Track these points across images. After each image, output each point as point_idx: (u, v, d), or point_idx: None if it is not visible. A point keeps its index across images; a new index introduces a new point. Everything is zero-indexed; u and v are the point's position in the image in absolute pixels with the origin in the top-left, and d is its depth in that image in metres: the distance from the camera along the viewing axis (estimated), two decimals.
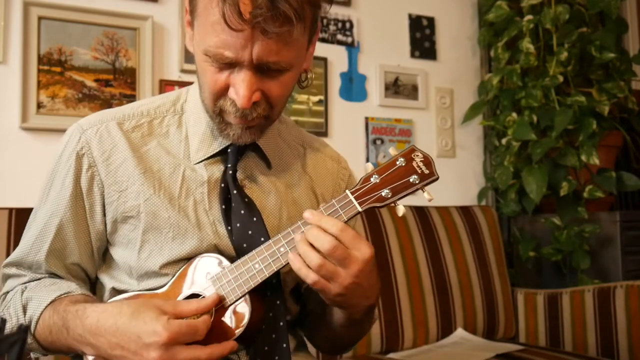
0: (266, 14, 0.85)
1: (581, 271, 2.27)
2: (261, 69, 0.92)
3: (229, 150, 1.04)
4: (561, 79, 2.34)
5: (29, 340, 0.99)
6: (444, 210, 2.33)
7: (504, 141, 2.49)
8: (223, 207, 1.02)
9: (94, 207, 1.03)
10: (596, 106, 2.36)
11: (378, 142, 2.46)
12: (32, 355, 1.05)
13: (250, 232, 1.00)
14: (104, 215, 1.03)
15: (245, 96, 0.92)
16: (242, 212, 1.01)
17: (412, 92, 2.56)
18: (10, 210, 1.62)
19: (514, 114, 2.47)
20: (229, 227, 1.01)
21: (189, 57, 2.11)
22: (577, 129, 2.32)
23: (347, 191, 0.96)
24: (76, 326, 0.93)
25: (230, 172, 1.03)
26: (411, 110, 2.55)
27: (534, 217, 2.50)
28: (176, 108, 1.09)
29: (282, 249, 0.96)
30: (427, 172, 0.97)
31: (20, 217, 1.60)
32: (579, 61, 2.43)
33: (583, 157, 2.28)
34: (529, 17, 2.39)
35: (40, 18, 1.89)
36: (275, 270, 0.96)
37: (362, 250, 0.91)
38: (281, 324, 1.00)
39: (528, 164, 2.37)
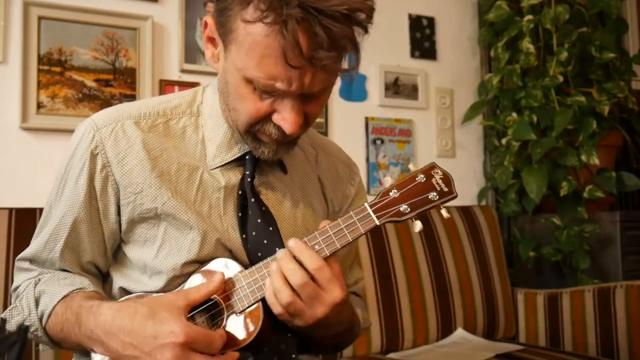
0: (329, 55, 0.85)
1: (581, 271, 2.27)
2: (305, 95, 0.93)
3: (246, 157, 1.04)
4: (561, 79, 2.34)
5: (40, 333, 1.00)
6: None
7: (504, 141, 2.49)
8: (240, 214, 1.02)
9: (108, 208, 1.02)
10: (596, 106, 2.36)
11: (378, 142, 2.46)
12: (41, 347, 1.06)
13: (265, 241, 1.00)
14: (118, 215, 1.02)
15: (295, 123, 0.92)
16: (259, 220, 1.01)
17: (412, 92, 2.56)
18: (10, 210, 1.62)
19: (514, 114, 2.46)
20: (244, 235, 1.01)
21: (189, 57, 2.11)
22: (577, 129, 2.32)
23: (365, 204, 0.96)
24: (89, 322, 0.92)
25: (249, 179, 1.03)
26: (411, 110, 2.55)
27: (534, 217, 2.50)
28: (192, 110, 1.07)
29: None
30: (446, 189, 0.97)
31: (20, 217, 1.60)
32: (579, 61, 2.43)
33: (583, 157, 2.28)
34: (529, 17, 2.39)
35: (40, 18, 1.89)
36: None
37: (334, 294, 0.92)
38: (289, 334, 1.00)
39: (528, 164, 2.37)
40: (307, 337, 1.06)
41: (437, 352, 1.99)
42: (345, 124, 2.41)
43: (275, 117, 0.93)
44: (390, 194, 0.96)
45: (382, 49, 2.51)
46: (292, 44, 0.83)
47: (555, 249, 2.33)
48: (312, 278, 0.91)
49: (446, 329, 2.14)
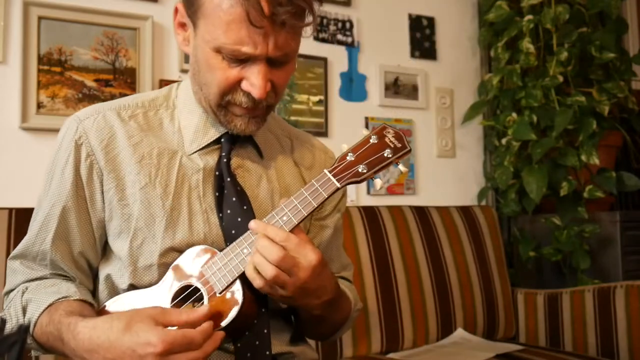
0: (287, 10, 0.92)
1: (581, 271, 2.27)
2: (271, 61, 0.98)
3: (222, 140, 1.09)
4: (561, 79, 2.34)
5: (29, 340, 1.01)
6: (444, 210, 2.33)
7: (504, 141, 2.49)
8: (217, 194, 1.06)
9: (94, 196, 1.05)
10: (596, 106, 2.36)
11: None
12: (33, 353, 1.06)
13: (239, 219, 1.04)
14: (104, 202, 1.05)
15: (262, 87, 0.97)
16: (234, 199, 1.05)
17: (412, 92, 2.56)
18: (10, 210, 1.62)
19: (514, 114, 2.47)
20: (220, 214, 1.05)
21: (189, 57, 2.11)
22: (577, 129, 2.32)
23: (325, 170, 1.00)
24: (69, 340, 0.93)
25: (225, 160, 1.07)
26: (411, 110, 2.55)
27: (534, 217, 2.50)
28: (169, 103, 1.13)
29: None
30: (399, 145, 1.02)
31: (20, 217, 1.60)
32: (579, 61, 2.43)
33: (583, 157, 2.28)
34: (529, 17, 2.39)
35: (40, 18, 1.89)
36: None
37: (309, 257, 0.95)
38: (263, 310, 1.03)
39: (528, 164, 2.37)
40: (300, 318, 1.09)
41: (437, 352, 1.99)
42: (345, 124, 2.40)
43: (244, 84, 0.99)
44: (347, 157, 1.00)
45: (382, 49, 2.51)
46: (254, 5, 0.91)
47: (555, 249, 2.33)
48: (283, 249, 0.95)
49: (446, 329, 2.14)
